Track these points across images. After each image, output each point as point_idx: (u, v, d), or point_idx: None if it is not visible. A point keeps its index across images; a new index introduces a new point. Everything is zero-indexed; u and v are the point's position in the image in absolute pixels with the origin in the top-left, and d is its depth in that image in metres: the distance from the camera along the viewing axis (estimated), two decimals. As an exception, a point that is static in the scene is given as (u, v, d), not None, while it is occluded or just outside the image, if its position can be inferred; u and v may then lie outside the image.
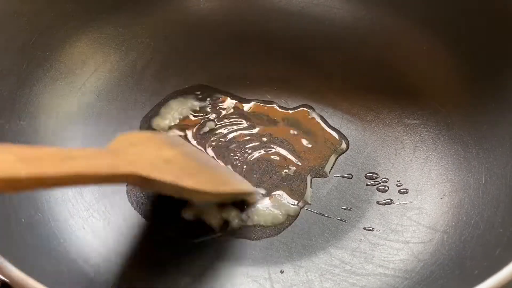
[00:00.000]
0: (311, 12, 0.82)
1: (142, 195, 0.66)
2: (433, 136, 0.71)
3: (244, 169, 0.69)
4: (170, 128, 0.73)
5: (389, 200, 0.67)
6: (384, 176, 0.69)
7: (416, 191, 0.67)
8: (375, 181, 0.68)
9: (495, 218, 0.58)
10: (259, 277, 0.60)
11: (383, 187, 0.68)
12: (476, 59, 0.70)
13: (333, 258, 0.61)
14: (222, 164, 0.64)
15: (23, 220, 0.56)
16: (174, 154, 0.55)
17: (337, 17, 0.81)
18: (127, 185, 0.65)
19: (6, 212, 0.56)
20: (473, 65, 0.71)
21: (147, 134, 0.66)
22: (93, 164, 0.43)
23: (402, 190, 0.67)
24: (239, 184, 0.61)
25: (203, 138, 0.72)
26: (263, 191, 0.65)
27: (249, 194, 0.63)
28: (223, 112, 0.75)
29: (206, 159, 0.61)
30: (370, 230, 0.64)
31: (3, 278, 0.57)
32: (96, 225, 0.62)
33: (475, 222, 0.60)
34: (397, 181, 0.68)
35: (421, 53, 0.76)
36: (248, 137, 0.72)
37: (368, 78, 0.77)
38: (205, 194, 0.54)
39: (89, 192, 0.64)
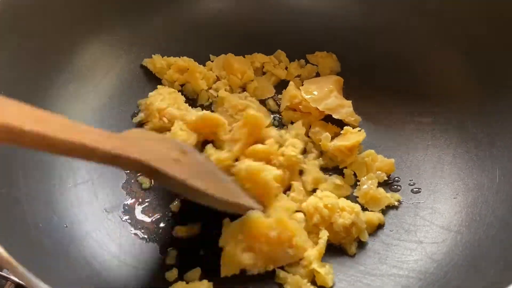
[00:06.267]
0: (322, 10, 0.82)
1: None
2: (445, 134, 0.71)
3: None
4: None
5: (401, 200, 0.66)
6: (396, 175, 0.69)
7: (429, 190, 0.67)
8: (387, 181, 0.68)
9: (510, 217, 0.58)
10: (271, 279, 0.60)
11: (396, 186, 0.68)
12: (487, 58, 0.70)
13: (346, 259, 0.61)
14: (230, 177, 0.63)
15: (40, 225, 0.57)
16: (184, 157, 0.55)
17: (347, 15, 0.81)
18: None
19: (23, 216, 0.56)
20: (485, 63, 0.70)
21: (161, 135, 0.66)
22: (100, 141, 0.44)
23: (414, 190, 0.67)
24: (245, 199, 0.60)
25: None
26: (261, 208, 0.61)
27: (249, 209, 0.60)
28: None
29: (216, 170, 0.61)
30: (382, 230, 0.64)
31: (18, 281, 0.58)
32: (111, 227, 0.63)
33: (490, 221, 0.60)
34: (410, 180, 0.68)
35: (432, 51, 0.75)
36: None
37: (379, 76, 0.77)
38: (210, 198, 0.54)
39: (104, 194, 0.65)
